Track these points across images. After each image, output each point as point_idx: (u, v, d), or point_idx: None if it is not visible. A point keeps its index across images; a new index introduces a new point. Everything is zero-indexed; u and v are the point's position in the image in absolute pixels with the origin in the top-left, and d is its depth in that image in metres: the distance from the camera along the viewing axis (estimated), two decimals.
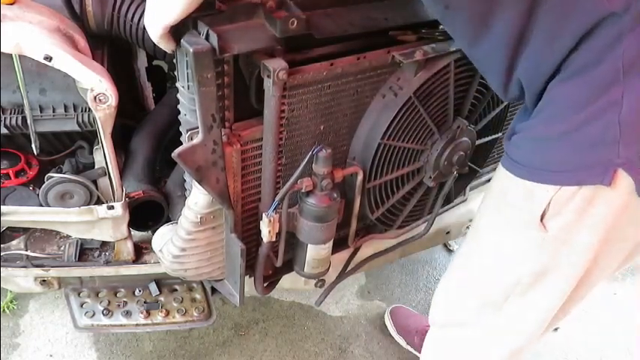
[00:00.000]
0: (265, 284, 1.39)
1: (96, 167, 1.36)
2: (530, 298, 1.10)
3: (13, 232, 1.47)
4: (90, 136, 1.39)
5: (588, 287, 1.11)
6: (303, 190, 1.16)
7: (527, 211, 1.00)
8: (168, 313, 1.49)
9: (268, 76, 0.98)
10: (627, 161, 0.87)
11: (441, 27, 1.24)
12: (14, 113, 1.28)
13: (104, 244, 1.47)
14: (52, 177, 1.27)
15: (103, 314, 1.47)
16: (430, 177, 1.38)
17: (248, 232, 1.27)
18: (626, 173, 0.87)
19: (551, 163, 0.94)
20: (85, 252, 1.47)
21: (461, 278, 1.26)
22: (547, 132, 0.95)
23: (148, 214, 1.42)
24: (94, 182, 1.33)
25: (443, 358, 1.38)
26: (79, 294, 1.52)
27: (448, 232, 1.82)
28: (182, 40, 0.94)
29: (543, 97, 0.95)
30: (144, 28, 1.36)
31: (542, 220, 0.98)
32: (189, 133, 1.07)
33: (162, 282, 1.54)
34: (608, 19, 0.82)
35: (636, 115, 0.85)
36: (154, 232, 1.38)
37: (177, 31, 0.95)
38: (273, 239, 1.20)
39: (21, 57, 1.13)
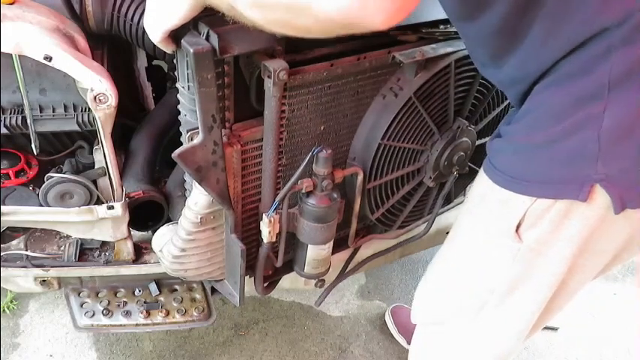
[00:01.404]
0: (265, 284, 1.40)
1: (96, 167, 1.36)
2: (505, 307, 1.08)
3: (13, 232, 1.47)
4: (90, 136, 1.39)
5: (566, 298, 1.10)
6: (303, 191, 1.16)
7: (502, 220, 0.98)
8: (168, 313, 1.49)
9: (269, 77, 0.98)
10: (605, 177, 0.85)
11: (441, 27, 1.24)
12: (14, 113, 1.28)
13: (104, 244, 1.47)
14: (52, 177, 1.27)
15: (103, 314, 1.47)
16: (430, 177, 1.38)
17: (248, 232, 1.27)
18: (604, 190, 0.85)
19: (529, 173, 0.92)
20: (85, 252, 1.46)
21: (438, 281, 1.24)
22: (527, 140, 0.93)
23: (148, 214, 1.41)
24: (94, 182, 1.33)
25: (428, 356, 1.37)
26: (79, 294, 1.51)
27: (448, 232, 1.82)
28: (182, 41, 0.94)
29: (527, 100, 0.93)
30: (144, 28, 1.36)
31: (517, 230, 0.97)
32: (189, 133, 1.07)
33: (162, 282, 1.54)
34: (601, 33, 0.80)
35: (617, 131, 0.83)
36: (154, 232, 1.38)
37: (177, 33, 0.95)
38: (274, 240, 1.20)
39: (21, 57, 1.12)
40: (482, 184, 1.01)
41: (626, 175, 0.85)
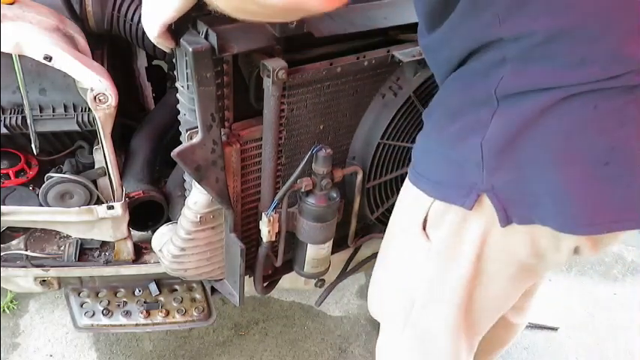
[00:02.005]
0: (265, 284, 1.40)
1: (96, 167, 1.36)
2: (429, 310, 1.04)
3: (13, 232, 1.47)
4: (90, 136, 1.39)
5: (487, 314, 1.06)
6: (302, 190, 1.16)
7: (412, 216, 0.97)
8: (168, 313, 1.49)
9: (268, 76, 0.99)
10: (491, 189, 0.82)
11: None
12: (14, 113, 1.28)
13: (104, 244, 1.47)
14: (52, 177, 1.27)
15: (103, 314, 1.47)
16: None
17: (248, 231, 1.27)
18: (490, 202, 0.83)
19: (429, 171, 0.91)
20: (85, 252, 1.46)
21: (375, 278, 1.21)
22: (428, 137, 0.92)
23: (148, 214, 1.42)
24: (94, 182, 1.33)
25: (381, 354, 1.28)
26: (79, 294, 1.51)
27: None
28: (181, 40, 0.94)
29: (439, 92, 0.92)
30: (144, 27, 1.36)
31: (425, 228, 0.95)
32: (188, 132, 1.07)
33: (162, 282, 1.54)
34: (499, 41, 0.78)
35: (500, 142, 0.80)
36: (153, 232, 1.38)
37: (175, 30, 0.95)
38: (273, 239, 1.20)
39: (21, 57, 1.13)
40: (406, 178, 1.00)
41: (510, 188, 0.82)
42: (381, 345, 1.23)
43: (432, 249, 0.97)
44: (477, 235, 0.90)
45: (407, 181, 0.98)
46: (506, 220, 0.84)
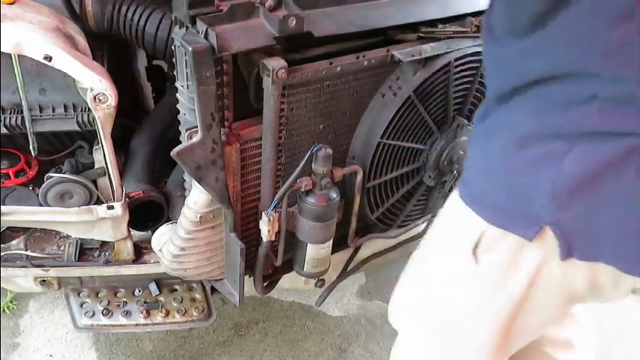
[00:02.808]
0: (265, 284, 1.39)
1: (96, 167, 1.36)
2: (463, 330, 1.01)
3: (13, 232, 1.47)
4: (90, 136, 1.39)
5: (523, 338, 1.03)
6: (302, 190, 1.16)
7: (461, 236, 0.92)
8: (168, 313, 1.49)
9: (267, 75, 0.99)
10: (557, 222, 0.78)
11: (440, 26, 1.24)
12: (14, 113, 1.28)
13: (104, 244, 1.47)
14: (52, 177, 1.27)
15: (103, 314, 1.47)
16: (430, 176, 1.38)
17: (247, 231, 1.27)
18: (554, 235, 0.79)
19: (488, 195, 0.86)
20: (84, 252, 1.46)
21: (406, 287, 1.15)
22: (492, 158, 0.85)
23: (148, 214, 1.42)
24: (94, 182, 1.33)
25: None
26: (79, 294, 1.51)
27: None
28: (181, 39, 0.94)
29: (503, 109, 0.84)
30: (144, 27, 1.36)
31: (474, 251, 0.90)
32: (188, 132, 1.07)
33: (162, 282, 1.54)
34: (592, 75, 0.73)
35: (577, 180, 0.76)
36: (153, 232, 1.38)
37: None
38: (273, 238, 1.20)
39: (21, 57, 1.13)
40: (454, 192, 0.94)
41: (577, 224, 0.79)
42: (397, 356, 1.20)
43: (479, 272, 0.92)
44: (533, 266, 0.86)
45: (456, 198, 0.92)
46: (567, 254, 0.80)
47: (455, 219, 0.95)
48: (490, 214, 0.86)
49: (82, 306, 1.49)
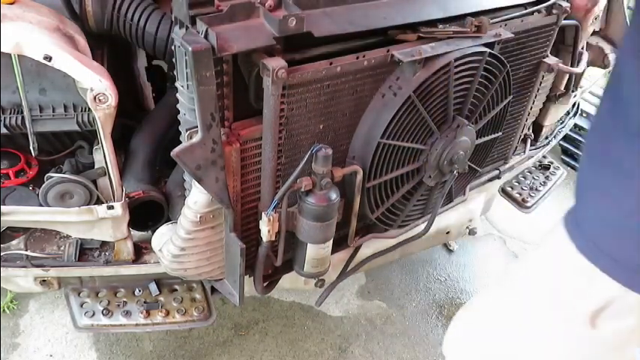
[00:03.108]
0: (265, 284, 1.39)
1: (96, 167, 1.36)
2: None
3: (13, 232, 1.47)
4: (90, 136, 1.39)
5: None
6: (302, 190, 1.16)
7: (579, 296, 0.73)
8: (168, 313, 1.49)
9: (267, 75, 0.99)
10: None
11: (440, 26, 1.24)
12: (14, 113, 1.28)
13: (104, 244, 1.47)
14: (52, 177, 1.27)
15: (103, 314, 1.47)
16: (430, 176, 1.39)
17: (248, 231, 1.27)
18: None
19: (619, 250, 0.68)
20: (85, 252, 1.46)
21: (474, 325, 0.95)
22: (621, 202, 0.66)
23: (148, 214, 1.42)
24: (94, 182, 1.33)
25: None
26: (79, 294, 1.52)
27: (448, 232, 1.82)
28: (181, 39, 0.94)
29: (628, 135, 0.64)
30: (144, 27, 1.36)
31: (595, 315, 0.73)
32: (188, 132, 1.07)
33: (162, 282, 1.54)
34: None
35: None
36: (153, 232, 1.38)
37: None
38: (273, 238, 1.20)
39: (21, 57, 1.13)
40: (559, 240, 0.74)
41: None
42: None
43: (594, 338, 0.75)
44: None
45: (564, 246, 0.73)
46: None
47: (566, 273, 0.75)
48: (629, 279, 0.68)
49: (82, 306, 1.49)
